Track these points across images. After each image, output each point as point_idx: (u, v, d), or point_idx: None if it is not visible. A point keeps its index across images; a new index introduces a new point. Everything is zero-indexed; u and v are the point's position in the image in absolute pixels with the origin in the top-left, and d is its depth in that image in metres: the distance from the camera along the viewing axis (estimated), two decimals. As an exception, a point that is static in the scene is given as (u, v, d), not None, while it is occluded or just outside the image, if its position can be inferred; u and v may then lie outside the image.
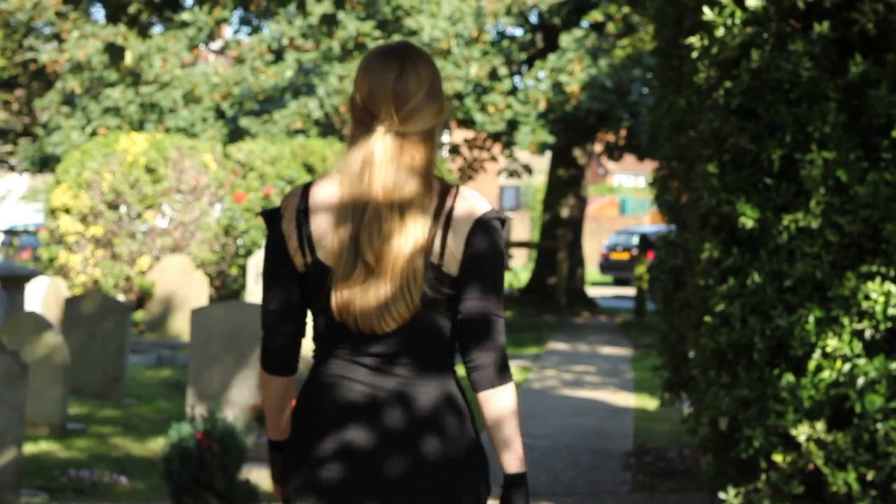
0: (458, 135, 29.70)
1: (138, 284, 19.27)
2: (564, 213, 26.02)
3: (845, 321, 6.12)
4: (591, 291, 30.08)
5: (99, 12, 27.93)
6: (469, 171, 27.31)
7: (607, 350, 18.60)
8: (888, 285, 6.04)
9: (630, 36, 23.29)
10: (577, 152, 26.00)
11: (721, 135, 6.53)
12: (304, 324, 3.21)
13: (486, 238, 3.11)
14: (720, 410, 6.45)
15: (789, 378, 6.20)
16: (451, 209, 3.11)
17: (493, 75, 23.83)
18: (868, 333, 6.12)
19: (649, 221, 45.74)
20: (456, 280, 3.10)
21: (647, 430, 11.41)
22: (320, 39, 24.67)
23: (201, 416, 7.82)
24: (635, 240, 33.47)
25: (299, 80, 24.91)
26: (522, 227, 43.97)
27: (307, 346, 3.33)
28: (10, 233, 32.30)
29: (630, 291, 31.38)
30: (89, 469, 9.05)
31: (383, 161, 3.08)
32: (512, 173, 27.99)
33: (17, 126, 32.64)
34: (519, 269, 34.61)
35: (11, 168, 34.04)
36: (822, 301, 6.24)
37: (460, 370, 3.22)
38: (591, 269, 38.48)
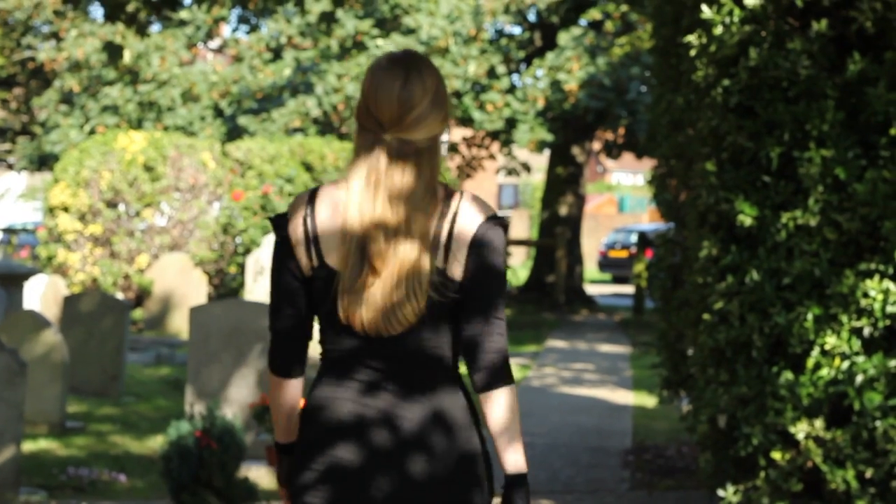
0: (457, 133, 29.70)
1: (137, 283, 19.27)
2: (563, 211, 26.02)
3: (844, 319, 6.13)
4: (590, 289, 30.08)
5: (97, 11, 27.92)
6: (467, 170, 27.31)
7: (606, 348, 18.60)
8: (886, 283, 6.04)
9: (628, 34, 23.29)
10: (575, 150, 26.00)
11: (719, 133, 6.54)
12: (311, 327, 3.26)
13: (489, 243, 3.16)
14: (719, 408, 6.46)
15: (788, 376, 6.21)
16: (456, 214, 3.16)
17: (492, 73, 23.82)
18: (867, 331, 6.12)
19: (648, 219, 45.74)
20: (460, 284, 3.15)
21: (646, 428, 11.41)
22: (318, 38, 24.66)
23: (200, 414, 7.83)
24: (634, 238, 33.48)
25: (297, 79, 24.90)
26: (521, 226, 43.97)
27: (314, 348, 3.34)
28: (9, 231, 32.30)
29: (629, 289, 31.39)
30: (88, 467, 9.05)
31: (389, 167, 3.14)
32: (510, 171, 27.99)
33: (15, 124, 32.62)
34: (518, 268, 34.60)
35: (10, 166, 34.02)
36: (821, 299, 6.25)
37: (462, 369, 3.26)
38: (590, 267, 38.48)
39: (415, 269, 3.12)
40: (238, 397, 9.23)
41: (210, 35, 26.47)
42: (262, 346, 9.25)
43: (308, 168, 20.30)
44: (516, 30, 25.81)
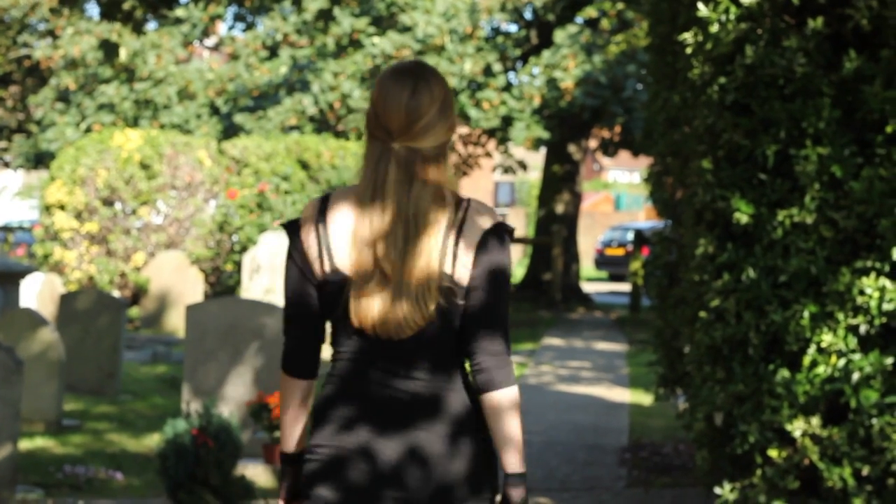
0: (453, 131, 29.67)
1: (133, 281, 19.27)
2: (559, 209, 26.03)
3: (840, 316, 6.13)
4: (587, 287, 30.09)
5: (93, 9, 27.90)
6: (464, 168, 27.31)
7: (602, 346, 18.61)
8: (883, 280, 6.05)
9: (624, 32, 23.30)
10: (571, 148, 26.00)
11: (715, 131, 6.54)
12: (323, 329, 3.35)
13: (494, 250, 3.27)
14: (715, 406, 6.46)
15: (784, 373, 6.21)
16: (463, 221, 3.27)
17: (488, 71, 23.83)
18: (863, 329, 6.13)
19: (644, 217, 45.76)
20: (467, 289, 3.25)
21: (643, 426, 11.42)
22: (315, 36, 24.67)
23: (197, 412, 7.83)
24: (630, 236, 33.49)
25: (294, 77, 24.90)
26: (517, 224, 43.96)
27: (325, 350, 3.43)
28: (5, 229, 32.26)
29: (625, 287, 31.40)
30: (85, 465, 9.05)
31: (398, 175, 3.24)
32: (507, 169, 27.98)
33: (11, 123, 32.60)
34: (514, 265, 34.61)
35: (6, 164, 34.00)
36: (817, 296, 6.25)
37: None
38: (586, 265, 38.49)
39: (424, 275, 3.21)
40: (234, 395, 9.23)
41: (206, 33, 26.48)
42: (259, 344, 9.25)
43: (304, 166, 20.30)
44: (512, 27, 25.83)
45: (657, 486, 8.90)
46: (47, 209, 19.73)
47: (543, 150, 27.02)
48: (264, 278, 16.63)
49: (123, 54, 23.69)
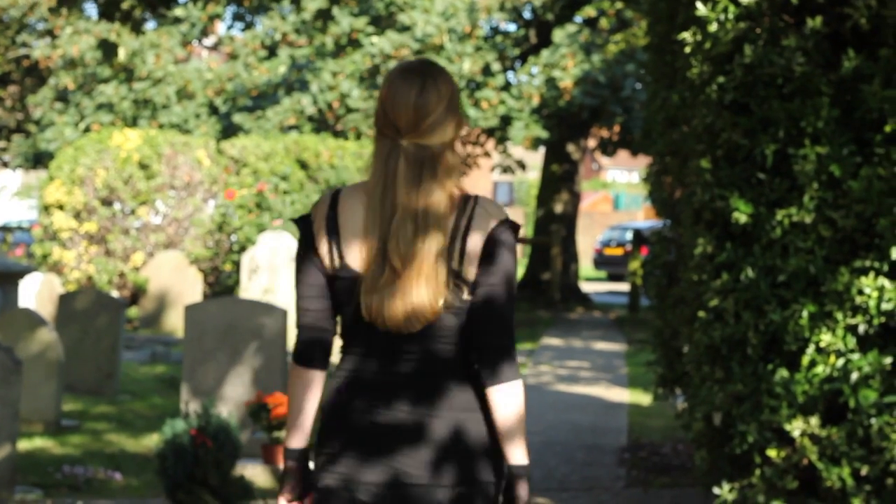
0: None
1: (132, 281, 19.26)
2: (558, 208, 26.02)
3: (839, 316, 6.12)
4: (585, 287, 30.09)
5: (92, 8, 27.90)
6: (462, 167, 27.29)
7: (601, 345, 18.61)
8: (882, 280, 6.04)
9: (623, 31, 23.30)
10: (570, 148, 26.00)
11: (714, 130, 6.53)
12: (335, 321, 3.42)
13: (501, 246, 3.34)
14: (714, 406, 6.45)
15: (783, 373, 6.21)
16: (471, 217, 3.35)
17: (487, 71, 23.82)
18: (862, 328, 6.12)
19: (643, 217, 45.77)
20: (474, 285, 3.33)
21: (642, 426, 11.42)
22: (313, 35, 24.66)
23: (195, 412, 7.82)
24: (629, 235, 33.49)
25: (292, 76, 24.90)
26: (516, 223, 43.90)
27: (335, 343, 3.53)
28: (4, 229, 32.25)
29: (624, 287, 31.40)
30: (83, 465, 9.05)
31: (406, 171, 3.32)
32: (506, 169, 27.98)
33: (10, 122, 32.59)
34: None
35: (5, 164, 33.99)
36: (816, 296, 6.24)
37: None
38: (585, 265, 38.49)
39: (432, 270, 3.29)
40: (233, 395, 9.23)
41: (205, 32, 26.47)
42: (258, 344, 9.25)
43: (303, 165, 20.29)
44: (511, 27, 25.82)
45: (656, 485, 8.90)
46: (46, 209, 19.73)
47: (542, 150, 27.01)
48: (263, 278, 16.63)
49: (122, 54, 23.65)
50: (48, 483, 8.59)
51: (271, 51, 25.86)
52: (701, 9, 6.49)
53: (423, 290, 3.28)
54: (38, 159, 28.20)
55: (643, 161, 43.34)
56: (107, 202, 19.65)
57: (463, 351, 3.36)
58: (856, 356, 6.09)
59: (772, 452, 6.25)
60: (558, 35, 23.71)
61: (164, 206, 19.86)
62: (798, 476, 6.33)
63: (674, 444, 10.28)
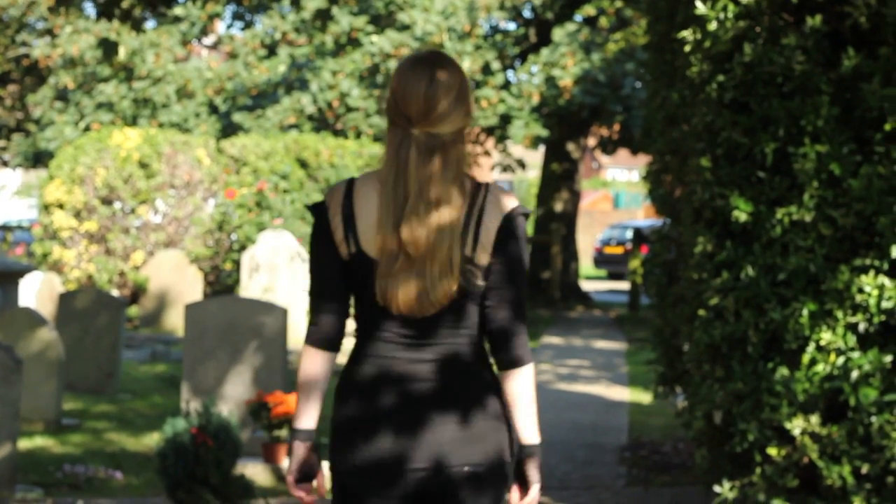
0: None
1: (132, 279, 19.26)
2: (558, 207, 26.02)
3: (839, 314, 6.13)
4: (586, 286, 30.08)
5: (92, 7, 27.91)
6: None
7: (601, 344, 18.61)
8: (882, 278, 6.05)
9: (623, 30, 23.29)
10: (570, 146, 25.99)
11: (714, 129, 6.53)
12: (348, 305, 3.51)
13: (513, 232, 3.44)
14: (714, 404, 6.46)
15: (783, 371, 6.21)
16: (483, 204, 3.44)
17: (486, 70, 23.81)
18: (862, 327, 6.13)
19: (643, 215, 45.75)
20: (487, 269, 3.42)
21: (642, 424, 11.42)
22: (313, 34, 24.65)
23: (196, 410, 7.83)
24: (629, 234, 33.49)
25: (292, 75, 24.89)
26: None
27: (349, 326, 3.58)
28: (4, 228, 32.26)
29: (624, 285, 31.39)
30: (84, 464, 9.05)
31: (418, 159, 3.41)
32: (505, 168, 27.96)
33: (9, 122, 32.59)
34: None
35: (5, 163, 33.99)
36: (816, 294, 6.25)
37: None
38: (585, 264, 38.47)
39: (446, 256, 3.38)
40: (234, 394, 9.23)
41: (205, 31, 26.46)
42: (258, 343, 9.25)
43: (303, 164, 20.29)
44: (511, 26, 25.81)
45: (656, 484, 8.90)
46: (46, 208, 19.72)
47: (542, 149, 27.00)
48: (263, 277, 16.63)
49: (122, 53, 23.69)
50: (49, 482, 8.59)
51: (271, 50, 25.85)
52: (701, 7, 6.49)
53: (436, 276, 3.37)
54: (38, 158, 28.20)
55: (643, 160, 43.33)
56: (107, 201, 19.64)
57: (476, 335, 3.45)
58: (856, 354, 6.10)
59: (772, 451, 6.26)
60: (558, 34, 23.70)
61: (164, 205, 19.86)
62: (798, 474, 6.34)
63: (674, 442, 10.28)
